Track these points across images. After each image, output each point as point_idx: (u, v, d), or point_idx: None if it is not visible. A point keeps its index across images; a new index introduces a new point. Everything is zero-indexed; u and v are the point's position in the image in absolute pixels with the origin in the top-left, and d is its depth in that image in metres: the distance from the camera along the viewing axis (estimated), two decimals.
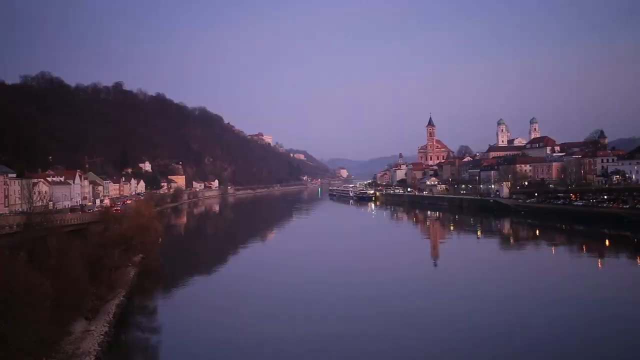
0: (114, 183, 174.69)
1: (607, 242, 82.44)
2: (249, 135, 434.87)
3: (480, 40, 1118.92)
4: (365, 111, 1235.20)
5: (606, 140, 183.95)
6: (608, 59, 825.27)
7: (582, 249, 77.79)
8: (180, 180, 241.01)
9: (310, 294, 48.42)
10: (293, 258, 72.19)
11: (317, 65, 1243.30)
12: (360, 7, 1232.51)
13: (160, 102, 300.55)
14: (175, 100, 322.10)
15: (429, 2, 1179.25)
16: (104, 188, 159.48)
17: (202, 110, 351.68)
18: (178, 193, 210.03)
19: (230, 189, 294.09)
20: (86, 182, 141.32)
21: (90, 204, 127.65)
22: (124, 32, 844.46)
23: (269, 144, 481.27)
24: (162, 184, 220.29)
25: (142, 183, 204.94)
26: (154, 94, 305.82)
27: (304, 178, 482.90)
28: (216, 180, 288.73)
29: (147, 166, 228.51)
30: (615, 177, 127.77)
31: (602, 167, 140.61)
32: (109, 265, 44.77)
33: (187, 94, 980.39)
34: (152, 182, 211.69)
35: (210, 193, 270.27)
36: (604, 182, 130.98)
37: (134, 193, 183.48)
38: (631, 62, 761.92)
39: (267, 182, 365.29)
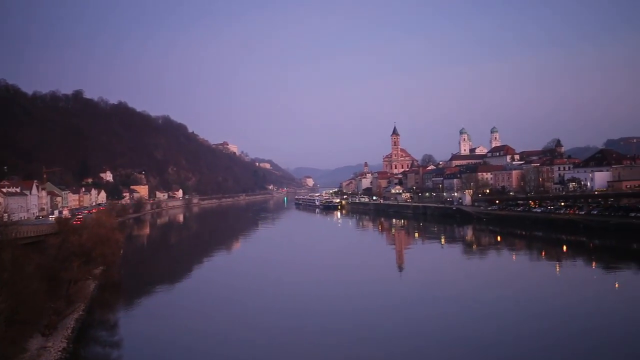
0: (73, 193, 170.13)
1: (564, 248, 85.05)
2: (214, 144, 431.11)
3: (444, 50, 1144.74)
4: (331, 120, 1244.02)
5: (563, 149, 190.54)
6: (564, 69, 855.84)
7: (541, 254, 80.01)
8: (143, 190, 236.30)
9: (275, 306, 48.01)
10: (259, 268, 71.64)
11: (283, 74, 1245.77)
12: (325, 15, 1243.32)
13: (122, 111, 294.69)
14: (138, 109, 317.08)
15: (394, 11, 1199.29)
16: (62, 199, 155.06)
17: (165, 118, 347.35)
18: (141, 203, 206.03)
19: (194, 199, 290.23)
20: (44, 193, 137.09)
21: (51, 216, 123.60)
22: (83, 39, 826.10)
23: (235, 153, 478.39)
24: (124, 194, 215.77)
25: (103, 193, 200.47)
26: (115, 103, 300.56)
27: (270, 187, 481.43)
28: (180, 190, 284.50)
29: (108, 176, 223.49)
30: (571, 185, 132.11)
31: (559, 174, 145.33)
32: (68, 279, 43.39)
33: (151, 103, 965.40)
34: (114, 192, 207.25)
35: (174, 203, 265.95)
36: (561, 189, 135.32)
37: (94, 204, 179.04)
38: (586, 72, 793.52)
39: (233, 192, 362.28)
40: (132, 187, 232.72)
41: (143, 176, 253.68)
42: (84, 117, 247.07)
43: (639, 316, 40.79)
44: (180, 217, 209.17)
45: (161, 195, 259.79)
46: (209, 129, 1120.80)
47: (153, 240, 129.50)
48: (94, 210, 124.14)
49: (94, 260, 55.51)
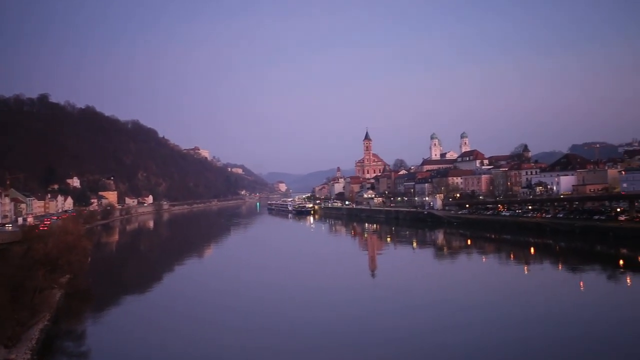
0: (38, 200, 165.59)
1: (532, 250, 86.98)
2: (185, 150, 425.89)
3: (415, 55, 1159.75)
4: (303, 125, 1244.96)
5: (530, 154, 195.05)
6: (531, 76, 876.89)
7: (510, 257, 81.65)
8: (111, 196, 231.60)
9: (246, 311, 47.62)
10: (230, 274, 71.18)
11: (255, 79, 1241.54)
12: (297, 20, 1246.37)
13: (90, 115, 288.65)
14: (107, 113, 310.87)
15: (365, 17, 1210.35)
16: (27, 205, 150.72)
17: (135, 123, 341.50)
18: (109, 210, 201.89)
19: (165, 205, 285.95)
20: (7, 200, 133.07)
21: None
22: (49, 42, 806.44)
23: (206, 158, 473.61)
24: (92, 200, 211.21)
25: (70, 200, 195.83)
26: (83, 107, 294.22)
27: (242, 192, 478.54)
28: (150, 196, 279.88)
29: (75, 182, 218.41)
30: (538, 189, 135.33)
31: (527, 179, 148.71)
32: (33, 288, 42.12)
33: (119, 107, 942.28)
34: (81, 198, 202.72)
35: (144, 209, 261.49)
36: (528, 193, 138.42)
37: (60, 210, 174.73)
38: (553, 79, 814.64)
39: (204, 197, 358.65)
40: (100, 193, 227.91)
41: (112, 182, 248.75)
42: (50, 122, 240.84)
43: (601, 316, 41.87)
44: (151, 224, 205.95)
45: (130, 202, 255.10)
46: (180, 134, 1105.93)
47: (122, 247, 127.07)
48: (60, 217, 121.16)
49: (60, 268, 54.15)
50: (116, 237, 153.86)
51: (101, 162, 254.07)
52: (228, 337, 39.40)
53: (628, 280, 57.90)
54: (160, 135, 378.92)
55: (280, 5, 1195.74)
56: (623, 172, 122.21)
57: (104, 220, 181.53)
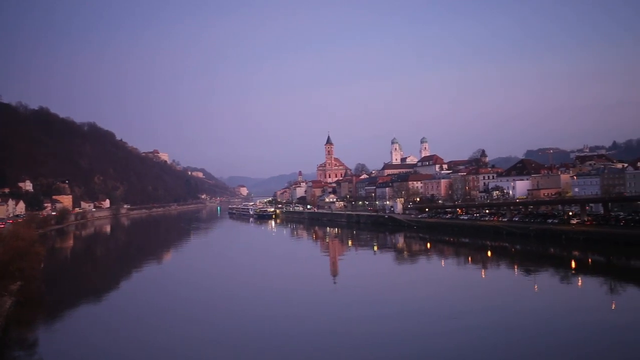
0: None
1: (489, 253, 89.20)
2: (144, 153, 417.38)
3: (376, 60, 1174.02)
4: (265, 129, 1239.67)
5: (487, 159, 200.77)
6: (487, 82, 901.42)
7: (468, 259, 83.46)
8: (66, 201, 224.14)
9: (206, 318, 46.89)
10: (190, 280, 69.97)
11: (217, 82, 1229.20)
12: (258, 23, 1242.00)
13: (43, 117, 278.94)
14: (61, 115, 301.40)
15: (328, 20, 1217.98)
16: None
17: (91, 125, 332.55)
18: (64, 214, 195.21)
19: (123, 209, 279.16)
20: None
21: None
22: None
23: (165, 161, 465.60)
24: (46, 204, 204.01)
25: (22, 204, 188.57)
26: (36, 108, 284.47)
27: (203, 197, 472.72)
28: (107, 200, 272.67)
29: (27, 185, 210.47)
30: (495, 193, 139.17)
31: (484, 183, 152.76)
32: None
33: (75, 108, 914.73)
34: (34, 202, 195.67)
35: (100, 213, 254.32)
36: (485, 197, 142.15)
37: (11, 215, 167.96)
38: (509, 86, 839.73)
39: (164, 201, 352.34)
40: (54, 197, 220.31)
41: (66, 186, 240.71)
42: (0, 123, 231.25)
43: (554, 317, 43.26)
44: (108, 228, 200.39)
45: (86, 206, 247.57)
46: (138, 136, 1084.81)
47: (77, 252, 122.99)
48: (10, 222, 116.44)
49: (10, 275, 51.91)
50: (71, 242, 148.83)
51: (55, 165, 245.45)
52: (184, 344, 38.59)
53: (579, 282, 60.09)
54: (118, 137, 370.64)
55: (241, 8, 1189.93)
56: (575, 177, 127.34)
57: (58, 225, 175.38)
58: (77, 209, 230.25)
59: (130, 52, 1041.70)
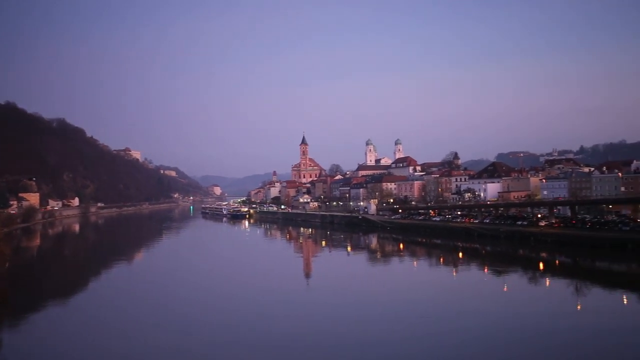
0: None
1: (460, 254, 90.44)
2: (115, 150, 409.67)
3: (351, 62, 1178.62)
4: (239, 128, 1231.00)
5: (459, 161, 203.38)
6: (461, 85, 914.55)
7: (440, 260, 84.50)
8: (33, 198, 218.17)
9: (175, 319, 46.15)
10: (160, 280, 69.00)
11: (191, 79, 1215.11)
12: (231, 21, 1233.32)
13: (9, 112, 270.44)
14: (29, 110, 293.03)
15: (305, 20, 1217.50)
16: None
17: (60, 121, 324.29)
18: (30, 212, 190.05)
19: (93, 208, 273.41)
20: None
21: None
22: None
23: (137, 159, 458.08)
24: (12, 202, 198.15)
25: None
26: (2, 103, 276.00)
27: (176, 196, 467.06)
28: (76, 198, 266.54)
29: None
30: (467, 195, 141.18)
31: (456, 185, 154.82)
32: None
33: (43, 104, 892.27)
34: None
35: (69, 212, 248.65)
36: (457, 199, 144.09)
37: None
38: (482, 90, 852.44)
39: (135, 200, 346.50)
40: (20, 194, 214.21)
41: (33, 183, 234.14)
42: None
43: (522, 316, 44.09)
44: (77, 227, 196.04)
45: (55, 204, 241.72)
46: (110, 134, 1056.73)
47: (44, 252, 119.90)
48: None
49: None
50: (38, 241, 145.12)
51: (22, 161, 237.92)
52: (144, 352, 37.84)
53: (547, 282, 61.40)
54: (89, 135, 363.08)
55: (214, 6, 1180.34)
56: (544, 180, 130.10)
57: (24, 224, 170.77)
58: (44, 207, 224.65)
59: (103, 49, 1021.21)
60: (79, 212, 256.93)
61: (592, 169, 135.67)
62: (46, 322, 47.23)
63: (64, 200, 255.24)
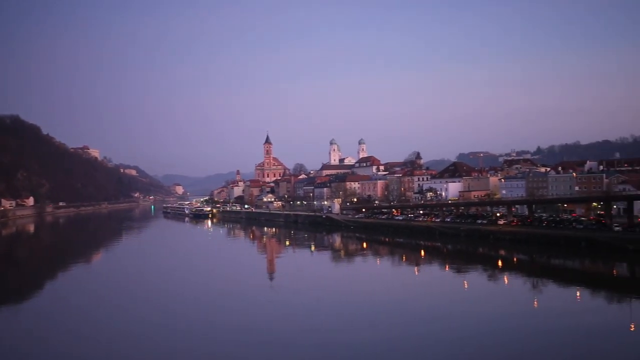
0: None
1: (422, 252, 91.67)
2: (72, 148, 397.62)
3: (317, 62, 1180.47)
4: (202, 126, 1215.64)
5: (422, 161, 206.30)
6: (423, 86, 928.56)
7: (402, 259, 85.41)
8: None
9: (134, 324, 44.90)
10: (119, 282, 67.07)
11: (151, 76, 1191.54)
12: (200, 16, 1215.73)
13: None
14: None
15: (277, 18, 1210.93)
16: None
17: (14, 118, 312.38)
18: None
19: (48, 207, 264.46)
20: None
21: None
22: None
23: (96, 158, 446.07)
24: None
25: None
26: None
27: (136, 195, 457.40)
28: (31, 198, 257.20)
29: None
30: (429, 194, 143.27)
31: (419, 185, 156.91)
32: None
33: None
34: None
35: (23, 212, 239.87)
36: (420, 198, 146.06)
37: None
38: (443, 92, 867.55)
39: (94, 200, 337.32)
40: None
41: None
42: None
43: (483, 312, 44.97)
44: (31, 228, 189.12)
45: (8, 204, 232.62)
46: (67, 131, 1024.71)
47: None
48: None
49: None
50: None
51: None
52: (103, 355, 36.76)
53: (505, 280, 62.82)
54: (45, 132, 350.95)
55: (181, 3, 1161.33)
56: (503, 180, 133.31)
57: None
58: None
59: (58, 45, 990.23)
60: (33, 212, 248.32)
61: (549, 169, 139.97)
62: None
63: (17, 200, 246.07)
